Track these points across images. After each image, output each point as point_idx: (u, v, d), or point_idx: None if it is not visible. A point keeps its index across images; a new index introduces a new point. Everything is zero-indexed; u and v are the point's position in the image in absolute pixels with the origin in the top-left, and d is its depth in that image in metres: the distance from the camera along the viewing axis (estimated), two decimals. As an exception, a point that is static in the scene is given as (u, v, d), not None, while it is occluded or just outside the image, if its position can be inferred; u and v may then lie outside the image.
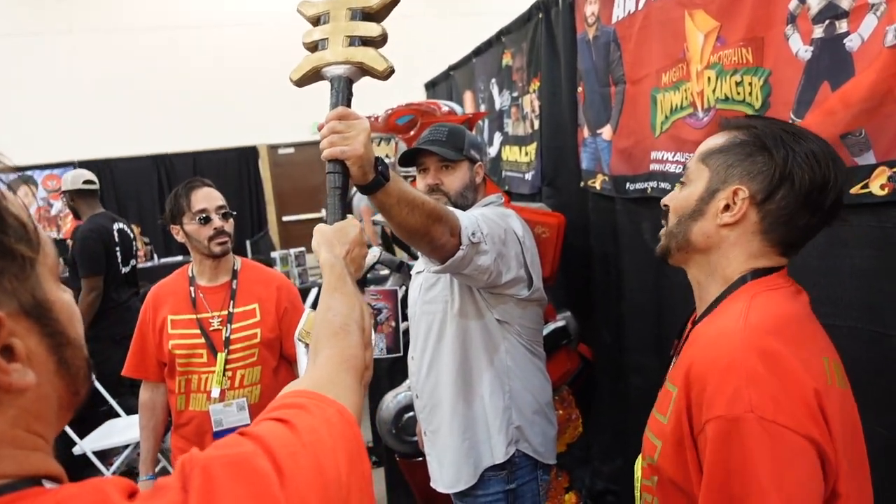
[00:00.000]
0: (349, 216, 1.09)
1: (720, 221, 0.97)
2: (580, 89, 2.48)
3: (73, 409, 0.55)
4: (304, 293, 3.99)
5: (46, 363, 0.51)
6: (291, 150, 7.82)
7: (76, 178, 3.79)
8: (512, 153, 3.32)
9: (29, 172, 6.93)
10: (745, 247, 0.97)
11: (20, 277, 0.48)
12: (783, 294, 0.95)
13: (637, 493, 1.05)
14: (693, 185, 1.01)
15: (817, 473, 0.81)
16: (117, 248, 3.68)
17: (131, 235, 3.88)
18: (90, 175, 3.89)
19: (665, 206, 1.07)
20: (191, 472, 0.50)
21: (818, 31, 1.29)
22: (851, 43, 1.22)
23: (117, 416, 3.56)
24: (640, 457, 1.06)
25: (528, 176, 3.09)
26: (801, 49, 1.34)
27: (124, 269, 3.75)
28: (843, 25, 1.24)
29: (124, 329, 3.45)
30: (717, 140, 1.01)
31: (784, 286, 0.97)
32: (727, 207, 0.96)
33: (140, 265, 4.44)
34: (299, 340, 1.05)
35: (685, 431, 0.87)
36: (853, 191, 1.22)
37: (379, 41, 1.18)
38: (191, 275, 2.05)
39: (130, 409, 3.47)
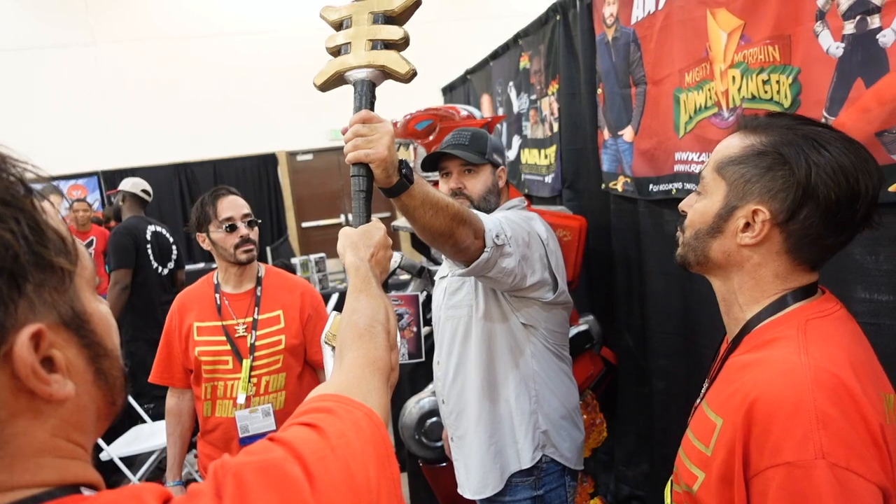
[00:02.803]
0: (374, 219, 1.09)
1: (741, 241, 0.91)
2: (600, 91, 2.46)
3: (111, 419, 0.56)
4: (326, 299, 4.00)
5: (85, 374, 0.51)
6: (310, 156, 7.88)
7: (136, 184, 4.10)
8: (531, 156, 3.30)
9: (54, 183, 7.05)
10: (771, 267, 0.91)
11: (59, 290, 0.49)
12: (838, 321, 0.89)
13: None
14: (710, 197, 0.95)
15: None
16: (149, 246, 3.77)
17: (170, 240, 3.98)
18: (148, 187, 4.17)
19: (683, 212, 1.01)
20: (223, 478, 0.50)
21: (849, 28, 1.27)
22: (885, 39, 1.19)
23: (143, 421, 3.60)
24: (670, 482, 1.01)
25: (548, 179, 3.07)
26: (831, 46, 1.32)
27: (162, 271, 3.84)
28: (875, 21, 1.21)
29: (161, 332, 3.55)
30: (733, 147, 0.93)
31: (835, 311, 0.91)
32: (747, 226, 0.90)
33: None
34: (326, 344, 1.04)
35: (738, 469, 0.82)
36: (892, 188, 1.19)
37: (401, 44, 1.18)
38: (216, 282, 2.06)
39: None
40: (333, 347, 0.97)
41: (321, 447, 0.56)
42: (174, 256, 3.98)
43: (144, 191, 4.10)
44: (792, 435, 0.77)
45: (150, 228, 3.88)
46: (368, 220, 1.09)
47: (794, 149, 0.87)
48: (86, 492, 0.50)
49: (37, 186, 0.51)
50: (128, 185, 4.10)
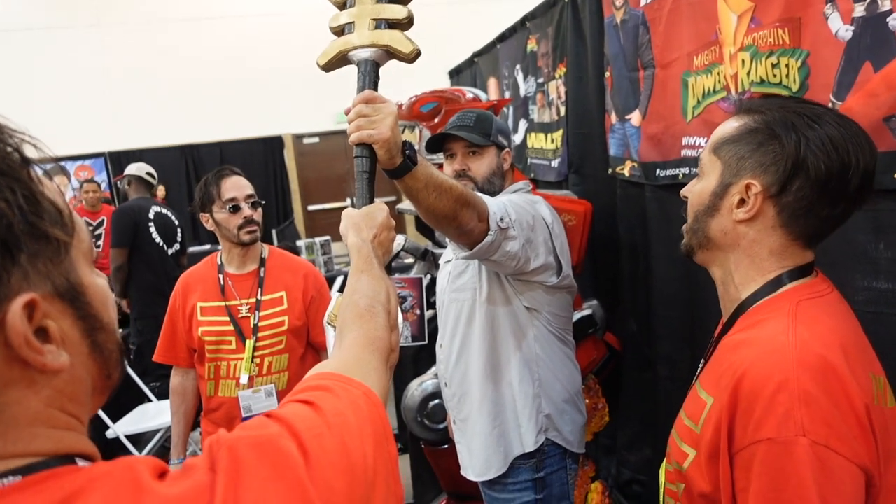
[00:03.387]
0: (377, 200, 1.08)
1: (736, 217, 0.92)
2: (608, 74, 2.44)
3: (107, 393, 0.56)
4: (330, 281, 4.02)
5: (80, 346, 0.51)
6: (316, 139, 7.86)
7: (141, 168, 4.19)
8: (538, 140, 3.28)
9: (61, 163, 7.07)
10: (767, 242, 0.92)
11: (55, 261, 0.49)
12: (829, 303, 0.90)
13: (661, 497, 1.03)
14: (707, 178, 0.97)
15: (862, 501, 0.79)
16: (151, 224, 3.81)
17: (175, 222, 4.03)
18: (153, 170, 4.26)
19: (685, 197, 1.03)
20: (218, 452, 0.50)
21: (859, 10, 1.25)
22: (895, 22, 1.17)
23: (149, 400, 3.63)
24: (664, 461, 1.03)
25: (555, 163, 3.06)
26: (840, 28, 1.30)
27: (169, 250, 3.88)
28: (885, 3, 1.19)
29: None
30: (729, 128, 0.95)
31: (827, 292, 0.92)
32: (742, 202, 0.92)
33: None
34: (328, 324, 1.05)
35: (723, 446, 0.84)
36: (897, 175, 1.18)
37: (405, 23, 1.16)
38: (220, 262, 2.07)
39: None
40: (335, 327, 0.98)
41: (317, 424, 0.56)
42: (179, 238, 4.02)
43: (149, 173, 4.17)
44: (774, 412, 0.79)
45: (154, 208, 3.92)
46: (371, 201, 1.08)
47: (783, 125, 0.89)
48: (81, 462, 0.50)
49: (48, 165, 0.51)
50: (132, 169, 4.18)
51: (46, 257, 0.48)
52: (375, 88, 1.14)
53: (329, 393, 0.61)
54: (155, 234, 3.82)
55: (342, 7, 1.21)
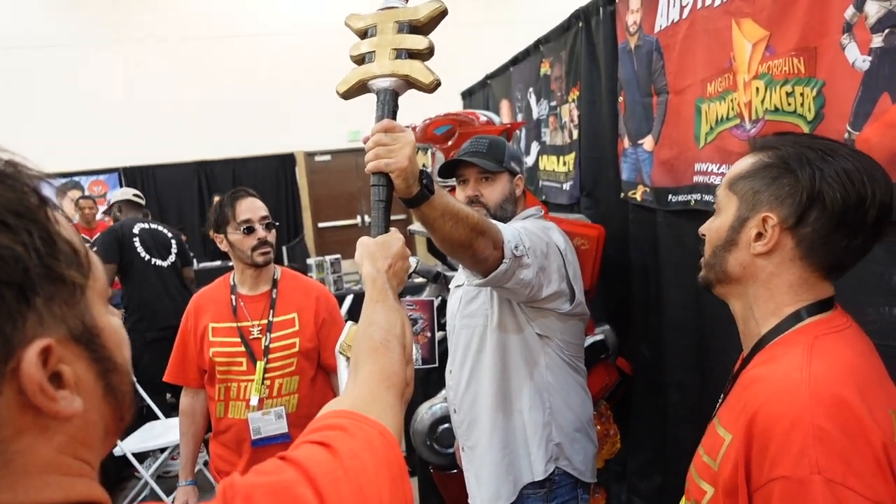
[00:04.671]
0: (393, 229, 1.08)
1: (754, 251, 0.93)
2: (621, 99, 2.44)
3: (118, 434, 0.55)
4: (340, 300, 4.02)
5: (94, 389, 0.50)
6: (328, 157, 7.92)
7: (126, 192, 4.24)
8: (550, 163, 3.29)
9: (76, 178, 7.15)
10: (785, 276, 0.92)
11: (70, 303, 0.47)
12: (846, 337, 0.90)
13: None
14: (724, 214, 0.98)
15: None
16: (136, 239, 3.79)
17: (168, 234, 4.00)
18: (138, 192, 4.32)
19: (703, 235, 1.04)
20: (232, 499, 0.49)
21: (877, 41, 1.24)
22: (913, 53, 1.17)
23: (156, 418, 3.63)
24: (683, 498, 1.02)
25: (567, 186, 3.05)
26: (858, 59, 1.29)
27: (160, 263, 3.85)
28: (904, 35, 1.19)
29: (156, 327, 3.55)
30: (744, 164, 0.97)
31: (846, 327, 0.91)
32: (759, 236, 0.92)
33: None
34: (340, 354, 1.04)
35: (741, 484, 0.83)
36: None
37: (426, 54, 1.17)
38: (232, 283, 2.07)
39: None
40: (348, 358, 0.97)
41: (333, 468, 0.55)
42: (174, 250, 3.97)
43: (136, 195, 4.23)
44: (788, 450, 0.78)
45: (140, 225, 3.91)
46: (387, 230, 1.08)
47: (797, 159, 0.90)
48: None
49: (55, 183, 0.51)
50: (118, 195, 4.25)
51: (62, 300, 0.47)
52: (394, 118, 1.15)
53: (345, 433, 0.61)
54: (140, 249, 3.79)
55: (363, 36, 1.22)
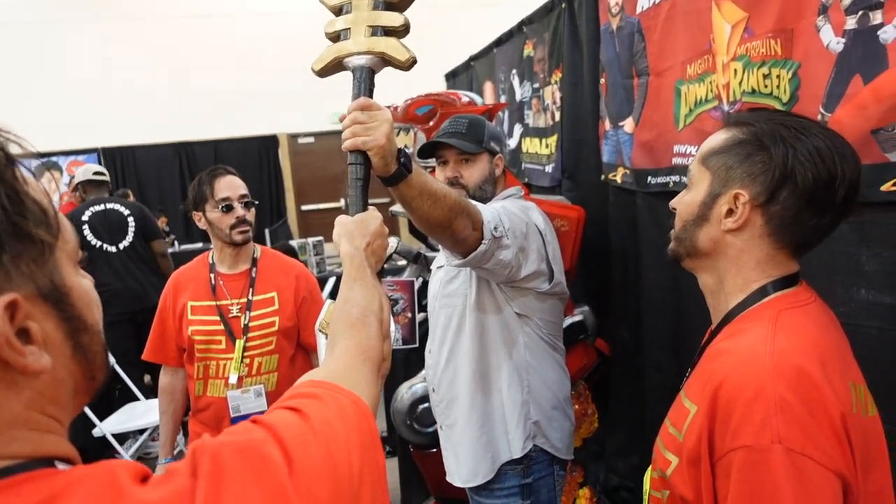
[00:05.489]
0: (371, 208, 1.08)
1: (724, 227, 0.94)
2: (602, 81, 2.45)
3: (91, 394, 0.56)
4: (322, 282, 4.01)
5: (62, 347, 0.51)
6: (311, 139, 7.85)
7: (87, 171, 4.11)
8: (532, 145, 3.29)
9: (54, 159, 7.03)
10: (754, 252, 0.93)
11: (38, 262, 0.48)
12: (811, 312, 0.92)
13: (645, 503, 1.04)
14: (696, 188, 0.98)
15: None
16: (85, 227, 3.67)
17: (124, 213, 3.82)
18: (100, 168, 4.18)
19: (673, 208, 1.04)
20: (201, 457, 0.50)
21: (851, 23, 1.26)
22: (886, 35, 1.18)
23: (136, 399, 3.62)
24: (650, 468, 1.04)
25: (549, 168, 3.06)
26: (832, 41, 1.31)
27: (109, 248, 3.73)
28: (877, 17, 1.20)
29: (111, 313, 3.52)
30: (718, 140, 0.97)
31: (810, 301, 0.93)
32: (730, 212, 0.93)
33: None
34: (320, 331, 1.05)
35: (704, 454, 0.85)
36: (884, 188, 1.19)
37: (401, 31, 1.16)
38: (211, 262, 2.06)
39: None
40: (327, 335, 0.98)
41: (303, 431, 0.56)
42: (132, 227, 3.81)
43: (96, 172, 4.08)
44: (751, 420, 0.80)
45: (94, 208, 3.76)
46: (365, 208, 1.08)
47: (772, 137, 0.91)
48: (60, 465, 0.50)
49: (36, 162, 0.51)
50: (80, 174, 4.13)
51: (30, 258, 0.48)
52: (371, 95, 1.14)
53: (317, 401, 0.61)
54: (90, 236, 3.68)
55: (338, 13, 1.21)
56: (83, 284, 0.54)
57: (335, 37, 1.20)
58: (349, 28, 1.18)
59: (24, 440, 0.48)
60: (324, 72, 1.21)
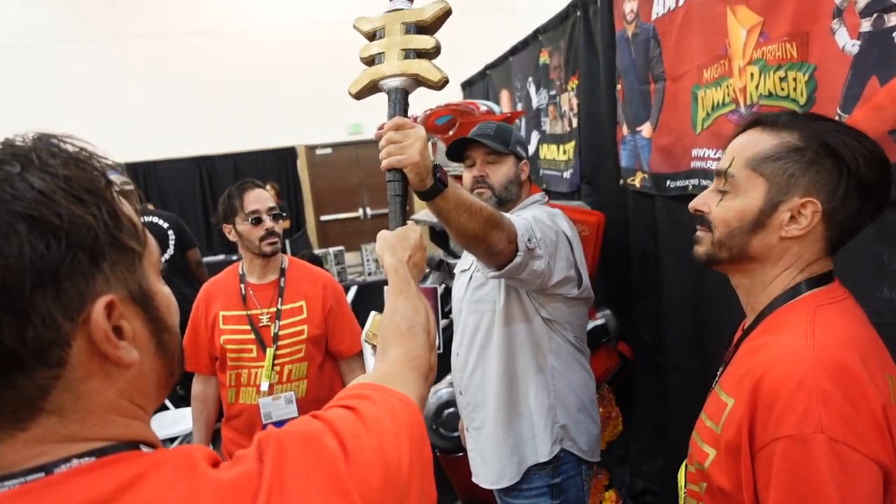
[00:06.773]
0: (409, 222, 1.13)
1: (785, 234, 0.93)
2: (619, 87, 2.48)
3: (169, 388, 0.63)
4: (344, 291, 4.05)
5: (148, 344, 0.58)
6: (329, 150, 7.94)
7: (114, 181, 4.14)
8: (550, 151, 3.32)
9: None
10: (805, 255, 0.94)
11: (130, 269, 0.56)
12: (845, 308, 0.94)
13: (681, 499, 1.06)
14: (746, 195, 0.96)
15: (879, 497, 0.81)
16: None
17: (163, 225, 3.92)
18: (124, 177, 4.20)
19: (698, 211, 1.03)
20: (266, 444, 0.56)
21: (866, 25, 1.28)
22: (901, 37, 1.20)
23: (166, 408, 3.69)
24: (685, 462, 1.05)
25: (567, 174, 3.09)
26: (847, 43, 1.33)
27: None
28: (892, 19, 1.22)
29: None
30: (765, 143, 0.95)
31: (843, 298, 0.95)
32: (792, 219, 0.93)
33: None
34: (366, 342, 1.10)
35: (744, 444, 0.87)
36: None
37: (433, 53, 1.21)
38: (241, 272, 2.12)
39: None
40: (373, 346, 1.02)
41: (356, 426, 0.61)
42: (172, 239, 3.90)
43: (124, 182, 4.14)
44: (793, 410, 0.82)
45: (142, 219, 3.86)
46: (404, 223, 1.13)
47: (833, 142, 0.91)
48: (145, 449, 0.56)
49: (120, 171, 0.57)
50: None
51: (124, 265, 0.55)
52: (405, 115, 1.19)
53: (367, 400, 0.67)
54: None
55: (372, 38, 1.26)
56: (164, 290, 0.61)
57: (370, 61, 1.25)
58: (383, 52, 1.23)
59: (116, 424, 0.55)
60: (360, 94, 1.26)
